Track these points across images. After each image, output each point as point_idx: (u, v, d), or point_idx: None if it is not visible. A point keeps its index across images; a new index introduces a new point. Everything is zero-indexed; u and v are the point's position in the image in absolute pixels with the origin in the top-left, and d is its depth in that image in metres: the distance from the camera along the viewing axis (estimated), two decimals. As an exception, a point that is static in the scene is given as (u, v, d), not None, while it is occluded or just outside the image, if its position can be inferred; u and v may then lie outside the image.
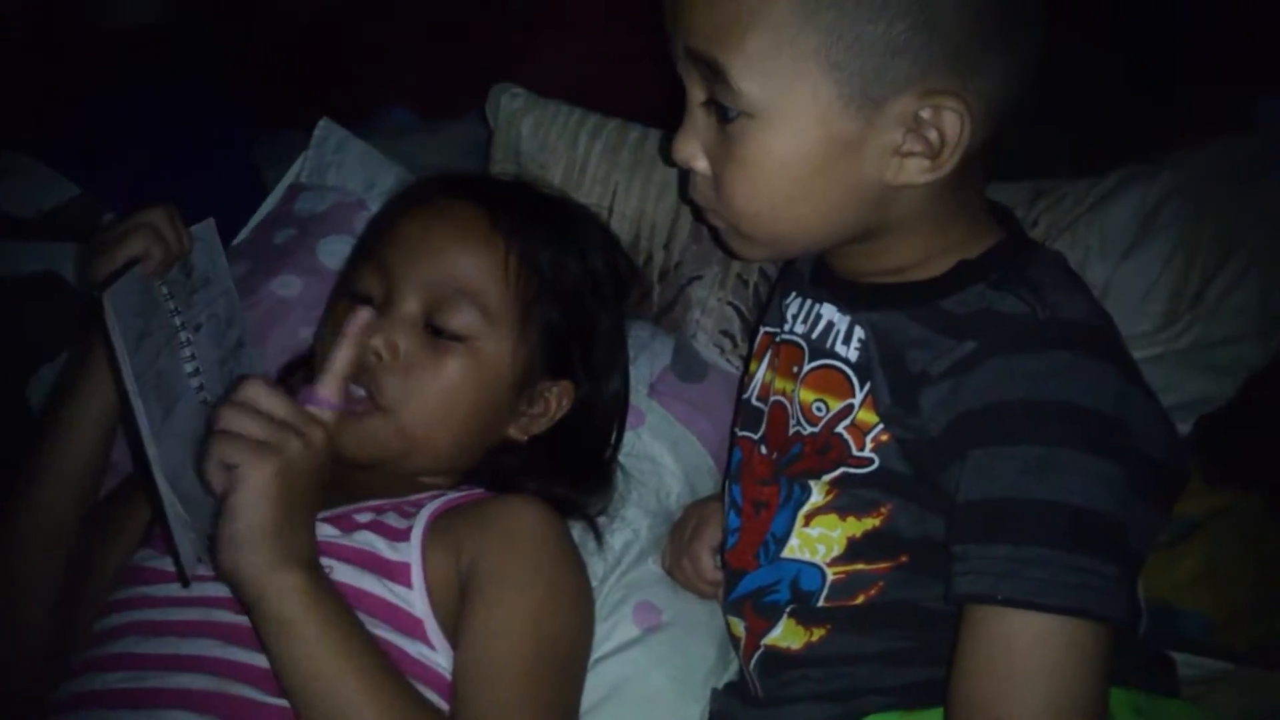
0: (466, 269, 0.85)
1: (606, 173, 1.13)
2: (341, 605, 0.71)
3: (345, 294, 0.89)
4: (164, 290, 0.78)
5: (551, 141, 1.16)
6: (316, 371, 0.78)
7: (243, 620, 0.72)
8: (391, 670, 0.72)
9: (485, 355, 0.84)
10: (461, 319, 0.83)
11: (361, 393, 0.82)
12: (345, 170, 1.18)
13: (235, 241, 1.15)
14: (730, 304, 1.07)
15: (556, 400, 0.90)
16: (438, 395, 0.83)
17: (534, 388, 0.89)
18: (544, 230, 0.90)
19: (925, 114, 0.63)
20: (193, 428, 0.81)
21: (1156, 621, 0.78)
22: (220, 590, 0.74)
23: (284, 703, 0.70)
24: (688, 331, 1.07)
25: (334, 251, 1.07)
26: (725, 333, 1.07)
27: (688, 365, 1.02)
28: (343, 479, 0.88)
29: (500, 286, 0.85)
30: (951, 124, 0.63)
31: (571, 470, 0.90)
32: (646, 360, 1.01)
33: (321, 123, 1.22)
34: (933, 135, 0.63)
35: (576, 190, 1.11)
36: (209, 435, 0.70)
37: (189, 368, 0.81)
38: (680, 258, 1.09)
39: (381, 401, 0.82)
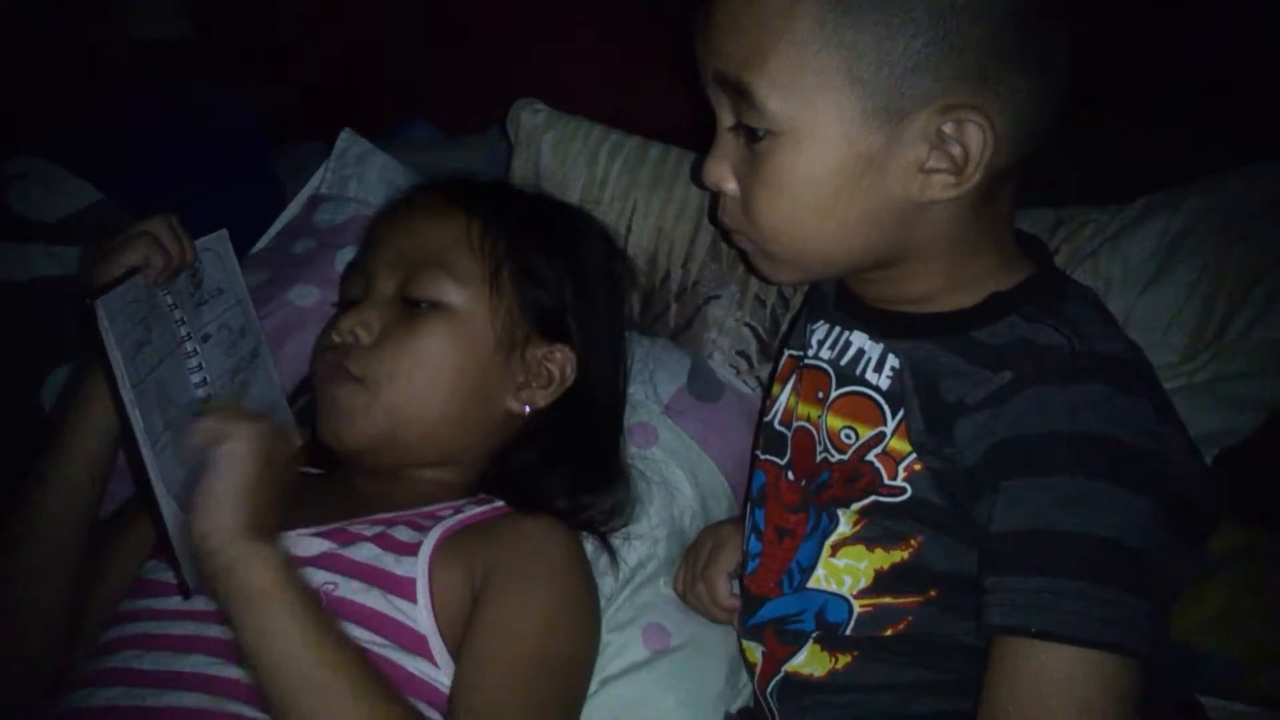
0: (427, 238, 0.88)
1: (626, 190, 1.13)
2: (312, 591, 0.71)
3: (337, 305, 0.93)
4: (169, 300, 0.78)
5: (571, 158, 1.16)
6: None
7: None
8: (366, 658, 0.70)
9: (461, 316, 0.86)
10: (431, 286, 0.86)
11: (342, 374, 0.84)
12: (366, 182, 1.18)
13: (254, 250, 1.15)
14: (747, 325, 1.07)
15: (560, 368, 0.90)
16: (416, 362, 0.84)
17: (525, 351, 0.89)
18: (512, 204, 0.94)
19: (948, 128, 0.64)
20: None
21: (1180, 662, 0.77)
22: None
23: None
24: (704, 351, 1.07)
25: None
26: (742, 353, 1.07)
27: (704, 385, 1.02)
28: (348, 489, 0.88)
29: (465, 249, 0.88)
30: (975, 138, 0.63)
31: (584, 460, 0.90)
32: (663, 378, 1.00)
33: (344, 134, 1.22)
34: (956, 150, 0.64)
35: (595, 207, 1.11)
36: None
37: (195, 378, 0.80)
38: (698, 276, 1.09)
39: (365, 378, 0.83)
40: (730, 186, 0.70)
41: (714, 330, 1.08)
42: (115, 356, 0.71)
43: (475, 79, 1.54)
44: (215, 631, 0.75)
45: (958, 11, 0.61)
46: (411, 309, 0.86)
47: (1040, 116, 0.65)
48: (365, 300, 0.87)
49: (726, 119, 0.69)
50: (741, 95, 0.66)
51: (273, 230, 1.18)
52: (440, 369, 0.85)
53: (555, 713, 0.77)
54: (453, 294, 0.86)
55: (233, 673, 0.73)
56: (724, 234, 0.76)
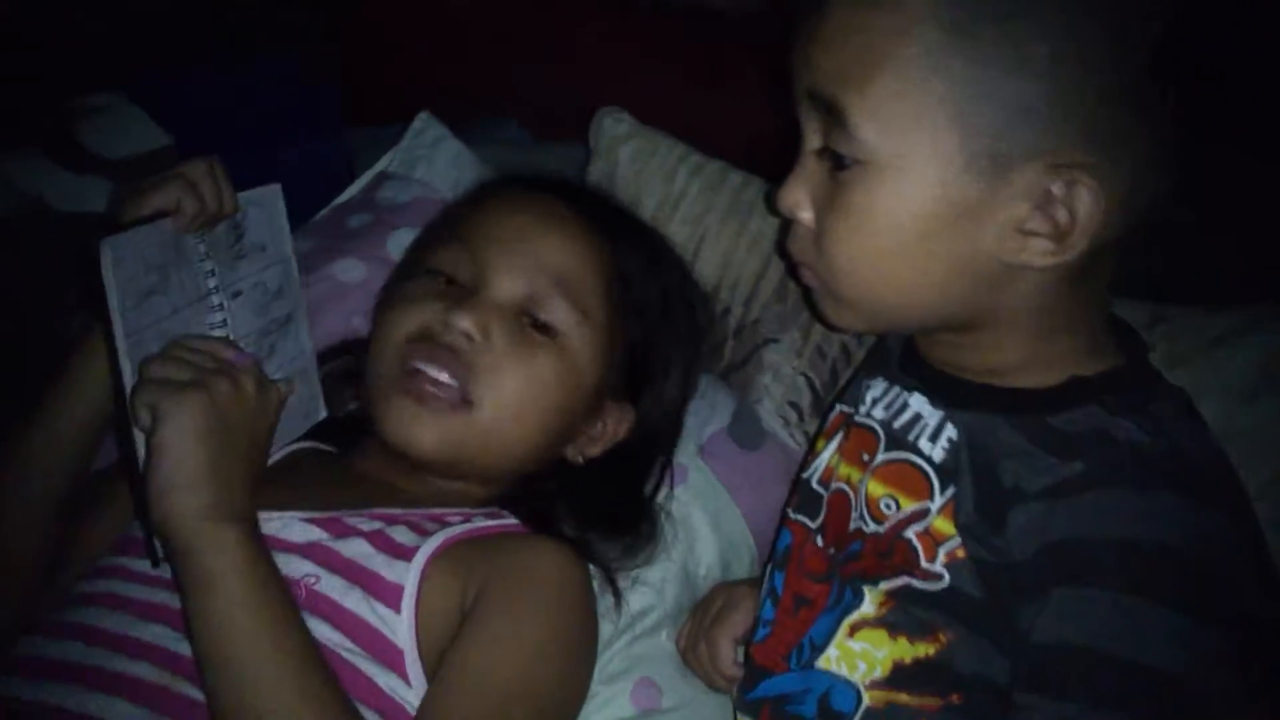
0: (567, 262, 0.82)
1: (699, 214, 1.07)
2: (277, 578, 0.66)
3: (422, 273, 0.84)
4: (201, 249, 0.74)
5: (649, 172, 1.11)
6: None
7: (147, 628, 0.68)
8: (319, 659, 0.65)
9: (574, 356, 0.81)
10: (559, 313, 0.80)
11: (446, 378, 0.77)
12: (435, 166, 1.14)
13: (311, 220, 1.12)
14: (804, 375, 1.00)
15: (615, 423, 0.86)
16: (527, 391, 0.79)
17: (601, 404, 0.84)
18: (634, 243, 0.88)
19: (1056, 188, 0.57)
20: None
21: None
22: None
23: None
24: (753, 395, 1.01)
25: (404, 244, 1.03)
26: (793, 404, 1.00)
27: (747, 431, 0.95)
28: (357, 474, 0.83)
29: (596, 287, 0.82)
30: (1085, 204, 0.57)
31: (609, 504, 0.85)
32: (704, 416, 0.94)
33: (422, 115, 1.19)
34: (1061, 215, 0.57)
35: (666, 226, 1.06)
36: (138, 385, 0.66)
37: (219, 335, 0.76)
38: (760, 316, 1.03)
39: (470, 395, 0.77)
40: (805, 215, 0.64)
41: (768, 375, 1.01)
42: (113, 301, 0.67)
43: (574, 87, 1.52)
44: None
45: (1085, 56, 0.55)
46: (530, 330, 0.80)
47: (1156, 184, 0.59)
48: (479, 298, 0.79)
49: (813, 141, 0.63)
50: (834, 117, 0.60)
51: (334, 202, 1.15)
52: (540, 405, 0.80)
53: None
54: (576, 331, 0.81)
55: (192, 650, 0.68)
56: (790, 267, 0.70)
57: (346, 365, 0.91)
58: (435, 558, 0.74)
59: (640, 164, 1.12)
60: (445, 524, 0.77)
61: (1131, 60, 0.56)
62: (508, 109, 1.59)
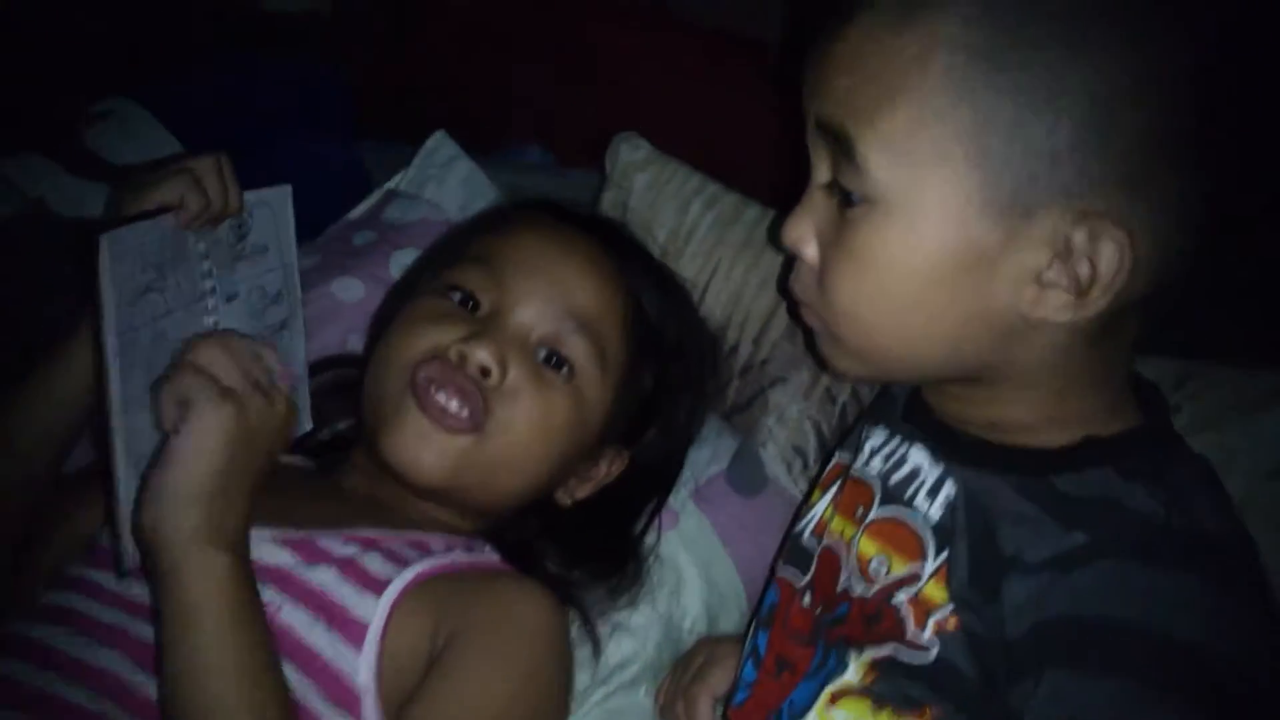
0: (594, 304, 0.79)
1: (712, 247, 1.04)
2: (259, 617, 0.62)
3: (443, 290, 0.80)
4: (201, 248, 0.71)
5: (664, 201, 1.08)
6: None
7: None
8: (291, 709, 0.62)
9: (587, 399, 0.78)
10: (580, 354, 0.77)
11: (455, 407, 0.74)
12: (445, 187, 1.12)
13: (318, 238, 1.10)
14: (811, 419, 0.96)
15: (608, 466, 0.83)
16: (537, 430, 0.76)
17: (601, 447, 0.81)
18: (656, 288, 0.86)
19: (1079, 238, 0.52)
20: None
21: None
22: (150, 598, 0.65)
23: None
24: (758, 438, 0.96)
25: (407, 265, 1.00)
26: (798, 450, 0.96)
27: (746, 476, 0.91)
28: (336, 490, 0.80)
29: (617, 332, 0.80)
30: (1109, 257, 0.52)
31: (594, 544, 0.82)
32: (702, 458, 0.90)
33: (436, 135, 1.17)
34: (1083, 267, 0.53)
35: (677, 259, 1.03)
36: (172, 366, 0.63)
37: None
38: (769, 355, 0.99)
39: (482, 425, 0.74)
40: (809, 251, 0.60)
41: (773, 417, 0.97)
42: (106, 297, 0.64)
43: (601, 114, 1.50)
44: (145, 631, 0.67)
45: (1120, 95, 0.51)
46: (546, 368, 0.77)
47: (1188, 248, 0.54)
48: (500, 329, 0.76)
49: (822, 174, 0.59)
50: (843, 149, 0.56)
51: (343, 220, 1.13)
52: (547, 445, 0.77)
53: None
54: (593, 373, 0.78)
55: (144, 687, 0.65)
56: (791, 306, 0.66)
57: (335, 379, 0.87)
58: (407, 593, 0.70)
59: (655, 193, 1.09)
60: (425, 552, 0.74)
61: (1173, 102, 0.51)
62: (537, 134, 1.58)
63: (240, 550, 0.62)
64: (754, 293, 1.01)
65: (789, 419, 0.96)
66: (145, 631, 0.66)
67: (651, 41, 1.57)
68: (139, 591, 0.68)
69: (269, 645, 0.62)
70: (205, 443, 0.60)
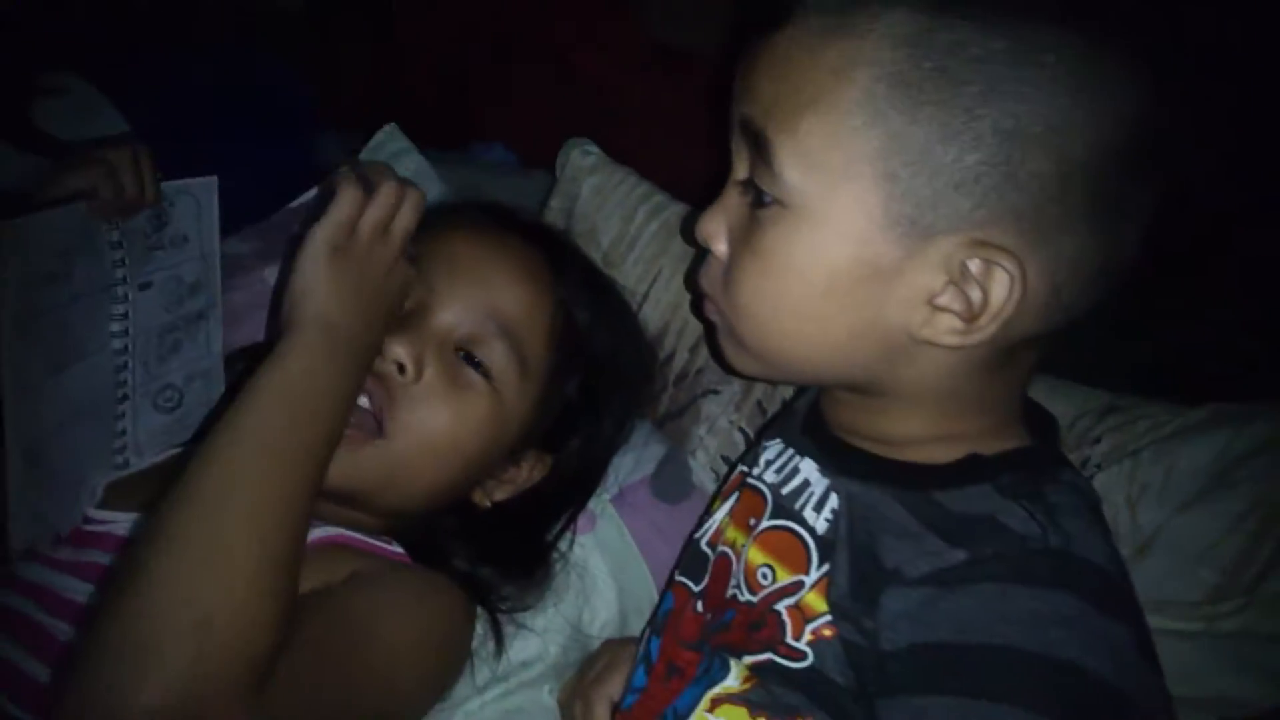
0: (517, 309, 0.78)
1: (654, 255, 1.04)
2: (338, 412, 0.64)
3: None
4: (114, 237, 0.71)
5: (609, 208, 1.08)
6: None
7: (49, 625, 0.62)
8: (302, 530, 0.60)
9: (503, 404, 0.76)
10: (498, 357, 0.76)
11: (364, 402, 0.73)
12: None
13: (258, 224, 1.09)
14: (741, 429, 0.96)
15: (529, 470, 0.82)
16: (447, 433, 0.74)
17: (523, 452, 0.80)
18: (590, 297, 0.84)
19: (974, 265, 0.53)
20: (91, 393, 0.72)
21: None
22: (45, 578, 0.65)
23: None
24: (688, 446, 0.96)
25: (345, 255, 1.00)
26: (726, 459, 0.96)
27: (670, 483, 0.91)
28: None
29: (541, 340, 0.79)
30: (1000, 286, 0.53)
31: (507, 545, 0.80)
32: (627, 464, 0.90)
33: (386, 128, 1.17)
34: (975, 294, 0.53)
35: (619, 266, 1.03)
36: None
37: (115, 327, 0.73)
38: (704, 365, 0.99)
39: (385, 425, 0.73)
40: (720, 247, 0.61)
41: (704, 427, 0.97)
42: (5, 284, 0.63)
43: (567, 118, 1.51)
44: (33, 613, 0.67)
45: (1030, 137, 0.51)
46: (463, 368, 0.76)
47: (1085, 290, 0.55)
48: (419, 327, 0.75)
49: (740, 171, 0.60)
50: (761, 152, 0.56)
51: (286, 208, 1.13)
52: (460, 448, 0.75)
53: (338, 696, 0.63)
54: (512, 379, 0.77)
55: (33, 671, 0.64)
56: (695, 301, 0.66)
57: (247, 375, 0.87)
58: (317, 546, 0.70)
59: (601, 199, 1.09)
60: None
61: (1079, 159, 0.52)
62: (503, 133, 1.58)
63: (350, 348, 0.65)
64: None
65: (720, 428, 0.97)
66: (34, 614, 0.66)
67: (621, 49, 1.57)
68: (36, 574, 0.67)
69: (308, 459, 0.61)
70: (315, 249, 0.66)
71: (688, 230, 0.71)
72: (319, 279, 0.65)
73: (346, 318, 0.65)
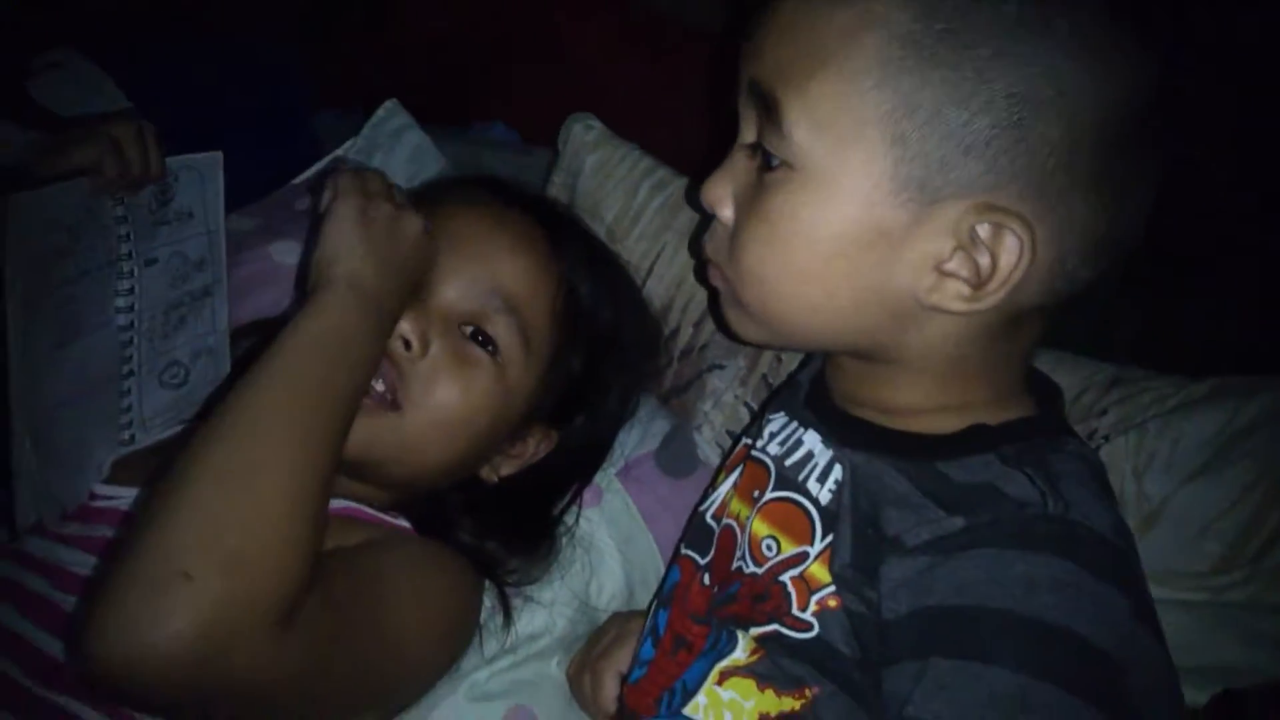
0: (520, 284, 0.78)
1: (658, 231, 1.04)
2: (344, 365, 0.64)
3: None
4: (119, 212, 0.71)
5: (613, 183, 1.08)
6: None
7: (58, 599, 0.63)
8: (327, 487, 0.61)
9: (509, 379, 0.76)
10: (504, 334, 0.76)
11: (379, 386, 0.73)
12: (393, 156, 1.12)
13: (262, 199, 1.09)
14: (746, 404, 0.96)
15: (535, 445, 0.82)
16: (457, 408, 0.74)
17: (529, 427, 0.81)
18: (595, 272, 0.84)
19: (982, 230, 0.53)
20: (97, 369, 0.72)
21: None
22: (53, 553, 0.65)
23: (60, 699, 0.61)
24: (694, 421, 0.96)
25: (348, 232, 1.00)
26: (732, 433, 0.96)
27: (675, 457, 0.91)
28: None
29: (546, 316, 0.79)
30: (1009, 251, 0.53)
31: (513, 520, 0.81)
32: (633, 438, 0.90)
33: (388, 104, 1.17)
34: (984, 260, 0.53)
35: (623, 241, 1.03)
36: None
37: (120, 302, 0.73)
38: (708, 341, 0.99)
39: (399, 400, 0.73)
40: (726, 213, 0.61)
41: (709, 402, 0.97)
42: (10, 260, 0.64)
43: (570, 96, 1.50)
44: (34, 583, 0.67)
45: (1042, 102, 0.51)
46: (468, 344, 0.76)
47: (1089, 259, 0.54)
48: (424, 304, 0.75)
49: (747, 134, 0.59)
50: (769, 114, 0.56)
51: (290, 185, 1.12)
52: (471, 422, 0.75)
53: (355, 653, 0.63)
54: (517, 355, 0.77)
55: (36, 639, 0.65)
56: (699, 267, 0.66)
57: (261, 344, 0.87)
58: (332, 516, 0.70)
59: (603, 175, 1.08)
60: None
61: (1090, 126, 0.52)
62: (506, 110, 1.57)
63: (378, 309, 0.66)
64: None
65: (725, 404, 0.97)
66: (35, 584, 0.66)
67: (619, 25, 1.56)
68: (36, 547, 0.67)
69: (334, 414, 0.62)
70: (344, 214, 0.67)
71: (693, 197, 0.71)
72: (351, 243, 0.66)
73: (376, 280, 0.66)
